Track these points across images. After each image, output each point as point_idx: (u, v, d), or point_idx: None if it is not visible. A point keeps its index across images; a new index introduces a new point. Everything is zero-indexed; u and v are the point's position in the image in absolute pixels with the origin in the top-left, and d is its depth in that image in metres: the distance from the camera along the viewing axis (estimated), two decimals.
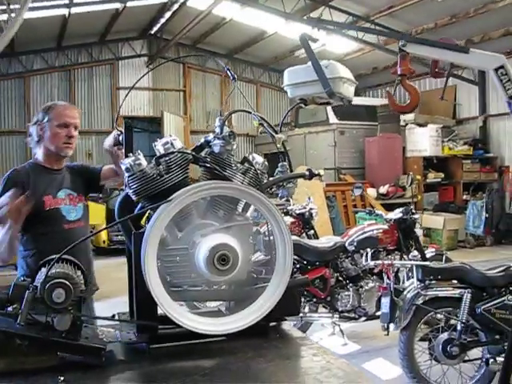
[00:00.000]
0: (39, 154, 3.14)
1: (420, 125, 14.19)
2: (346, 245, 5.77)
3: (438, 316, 4.42)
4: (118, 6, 13.86)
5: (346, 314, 5.66)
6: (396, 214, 6.00)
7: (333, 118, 14.37)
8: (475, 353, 4.40)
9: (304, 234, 7.39)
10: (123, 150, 2.54)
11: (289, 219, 7.10)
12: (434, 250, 6.39)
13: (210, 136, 2.20)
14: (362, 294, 5.62)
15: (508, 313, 4.23)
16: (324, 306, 5.75)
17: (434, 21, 12.95)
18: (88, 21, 14.48)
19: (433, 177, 13.99)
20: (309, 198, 7.49)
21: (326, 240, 6.09)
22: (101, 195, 10.18)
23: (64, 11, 13.41)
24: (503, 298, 4.26)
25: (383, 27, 11.58)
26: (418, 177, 13.31)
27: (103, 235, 12.26)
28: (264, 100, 18.85)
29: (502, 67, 2.61)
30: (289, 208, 7.24)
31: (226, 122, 2.23)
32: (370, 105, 14.50)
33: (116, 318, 2.27)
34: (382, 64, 16.30)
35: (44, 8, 12.73)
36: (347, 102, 2.33)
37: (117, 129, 2.66)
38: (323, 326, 5.91)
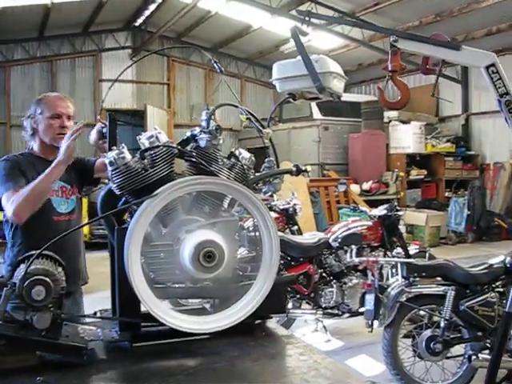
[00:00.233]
0: (35, 146, 3.10)
1: (403, 122, 14.25)
2: (330, 241, 5.76)
3: (422, 313, 4.42)
4: None
5: (329, 311, 5.66)
6: (380, 210, 6.01)
7: (317, 114, 14.35)
8: (458, 349, 4.42)
9: (288, 230, 7.37)
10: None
11: (273, 215, 7.06)
12: (417, 246, 6.41)
13: (196, 130, 2.15)
14: (346, 291, 5.61)
15: (491, 310, 4.25)
16: (307, 303, 5.73)
17: (418, 18, 12.98)
18: (71, 11, 14.27)
19: (415, 174, 14.05)
20: (293, 194, 7.47)
21: (310, 236, 6.07)
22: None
23: (46, 0, 13.19)
24: (486, 296, 4.29)
25: (368, 24, 11.55)
26: (401, 173, 13.36)
27: (85, 229, 12.13)
28: (248, 95, 18.78)
29: (492, 65, 2.59)
30: (272, 203, 7.21)
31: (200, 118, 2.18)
32: (354, 101, 14.50)
33: (98, 315, 2.21)
34: (367, 61, 16.33)
35: None
36: (337, 98, 2.29)
37: (100, 121, 2.59)
38: (306, 322, 5.90)
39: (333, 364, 1.99)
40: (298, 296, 5.62)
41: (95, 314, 2.23)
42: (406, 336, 4.42)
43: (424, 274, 4.39)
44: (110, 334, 2.05)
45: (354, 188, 12.97)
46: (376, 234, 5.92)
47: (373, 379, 4.66)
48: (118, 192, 2.02)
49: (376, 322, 4.41)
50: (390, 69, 2.79)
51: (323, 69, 2.17)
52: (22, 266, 1.77)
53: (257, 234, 2.11)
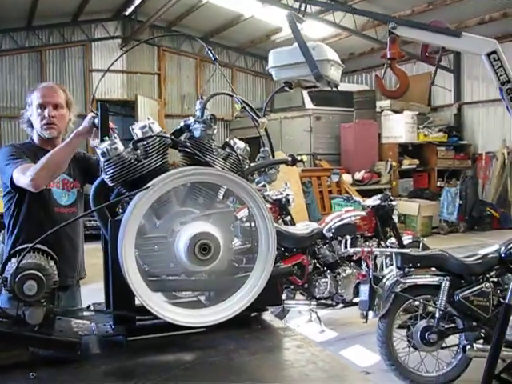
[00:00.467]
0: (34, 136, 3.08)
1: (396, 111, 14.24)
2: (324, 231, 5.73)
3: (417, 303, 4.41)
4: None
5: (323, 301, 5.64)
6: (374, 200, 5.98)
7: (309, 104, 14.32)
8: (452, 340, 4.41)
9: (280, 220, 7.33)
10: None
11: None
12: (410, 236, 6.39)
13: (190, 120, 2.10)
14: (340, 281, 5.59)
15: (485, 300, 4.25)
16: (301, 293, 5.72)
17: (411, 7, 12.94)
18: (59, 0, 14.10)
19: (408, 163, 14.06)
20: (285, 184, 7.43)
21: (303, 226, 6.04)
22: None
23: None
24: (481, 286, 4.28)
25: (366, 11, 11.50)
26: (394, 163, 13.38)
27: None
28: (239, 84, 18.68)
29: (494, 52, 2.55)
30: (265, 194, 7.17)
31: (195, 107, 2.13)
32: (346, 91, 14.45)
33: (91, 309, 2.17)
34: (359, 50, 16.30)
35: None
36: (334, 86, 2.24)
37: (92, 111, 2.54)
38: (300, 312, 5.89)
39: (331, 357, 1.97)
40: (292, 287, 5.60)
41: (88, 307, 2.19)
42: (400, 326, 4.41)
43: (419, 264, 4.37)
44: (105, 328, 2.02)
45: (347, 178, 12.96)
46: (370, 224, 5.91)
47: (367, 369, 4.65)
48: (110, 183, 1.98)
49: (371, 313, 4.39)
50: (388, 56, 2.75)
51: (321, 56, 2.13)
52: (14, 261, 1.72)
53: (252, 225, 2.08)
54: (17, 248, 1.86)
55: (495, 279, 4.38)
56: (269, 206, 7.20)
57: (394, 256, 4.39)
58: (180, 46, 18.10)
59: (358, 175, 13.29)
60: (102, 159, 1.95)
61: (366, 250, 4.88)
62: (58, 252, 1.95)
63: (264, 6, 13.66)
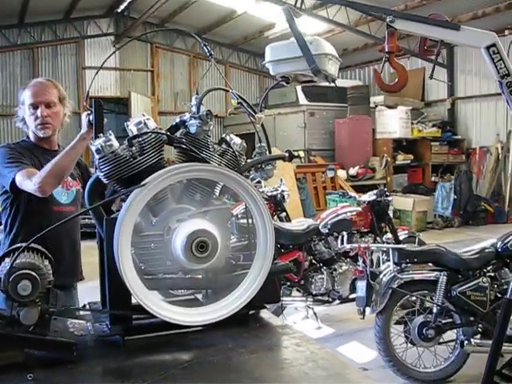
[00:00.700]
0: (30, 134, 3.03)
1: (389, 107, 14.23)
2: (320, 227, 5.71)
3: (414, 299, 4.40)
4: None
5: (319, 298, 5.63)
6: (370, 196, 5.97)
7: (303, 100, 14.28)
8: (449, 335, 4.41)
9: (276, 217, 7.31)
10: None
11: None
12: (406, 232, 6.38)
13: (186, 115, 2.07)
14: (336, 277, 5.58)
15: (482, 295, 4.25)
16: (298, 290, 5.70)
17: (404, 2, 12.91)
18: None
19: (402, 158, 14.05)
20: (281, 180, 7.40)
21: (299, 223, 6.02)
22: None
23: None
24: (478, 280, 4.28)
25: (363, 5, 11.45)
26: (388, 158, 13.38)
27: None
28: (233, 81, 18.62)
29: (493, 45, 2.52)
30: (260, 190, 7.15)
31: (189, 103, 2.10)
32: (340, 86, 14.43)
33: (87, 308, 2.14)
34: (352, 46, 16.27)
35: None
36: (331, 81, 2.21)
37: (86, 108, 2.51)
38: (296, 309, 5.87)
39: (330, 355, 1.95)
40: (288, 283, 5.59)
41: (84, 307, 2.16)
42: (397, 322, 4.41)
43: (416, 259, 4.37)
44: (101, 328, 1.99)
45: (341, 173, 12.94)
46: (366, 220, 5.89)
47: (365, 366, 4.64)
48: (105, 181, 1.96)
49: (368, 309, 4.38)
50: (386, 50, 2.72)
51: (318, 50, 2.10)
52: (7, 260, 1.69)
53: (250, 221, 2.05)
54: (11, 247, 1.83)
55: (492, 274, 4.38)
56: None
57: (390, 252, 4.38)
58: (173, 42, 18.03)
59: (353, 171, 13.27)
60: (96, 156, 1.92)
61: (362, 245, 4.86)
62: (58, 251, 1.92)
63: (257, 1, 13.61)
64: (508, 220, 13.16)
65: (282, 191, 7.18)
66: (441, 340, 4.34)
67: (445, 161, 14.44)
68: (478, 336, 4.28)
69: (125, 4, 15.85)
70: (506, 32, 12.68)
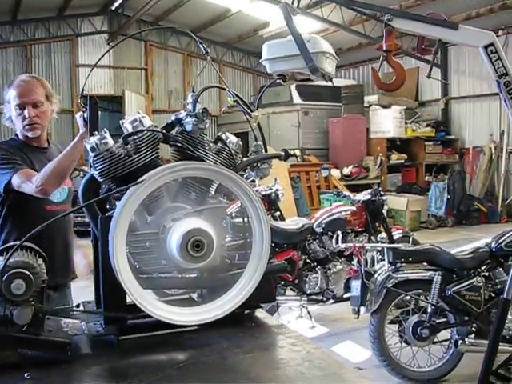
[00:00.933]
0: (18, 132, 2.97)
1: (383, 106, 14.24)
2: (314, 227, 5.71)
3: (408, 298, 4.40)
4: None
5: (313, 297, 5.62)
6: (364, 195, 5.97)
7: (297, 99, 14.27)
8: (444, 334, 4.41)
9: (270, 216, 7.30)
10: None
11: None
12: (400, 231, 6.39)
13: (182, 113, 2.06)
14: (330, 277, 5.58)
15: (477, 294, 4.25)
16: (292, 289, 5.69)
17: (399, 2, 12.91)
18: None
19: (396, 158, 14.07)
20: (275, 179, 7.39)
21: (293, 222, 6.01)
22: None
23: None
24: (472, 280, 4.28)
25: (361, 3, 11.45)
26: (383, 158, 13.41)
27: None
28: (227, 79, 18.55)
29: (491, 45, 2.51)
30: (255, 189, 7.11)
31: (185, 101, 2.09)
32: (334, 85, 14.42)
33: (81, 307, 2.12)
34: (346, 45, 16.26)
35: None
36: (329, 79, 2.20)
37: (81, 105, 2.48)
38: (291, 308, 5.85)
39: (326, 354, 1.95)
40: (283, 282, 5.58)
41: (78, 306, 2.14)
42: (392, 322, 4.40)
43: (410, 259, 4.36)
44: (95, 328, 1.98)
45: (335, 173, 12.93)
46: (360, 219, 5.89)
47: (359, 365, 4.64)
48: (100, 179, 1.94)
49: (362, 308, 4.37)
50: (384, 49, 2.70)
51: (316, 49, 2.08)
52: (1, 259, 1.67)
53: (245, 221, 2.04)
54: (4, 246, 1.80)
55: (486, 273, 4.38)
56: None
57: (385, 251, 4.37)
58: (167, 40, 17.99)
59: (347, 170, 13.28)
60: (91, 154, 1.90)
61: (357, 245, 4.86)
62: (50, 251, 1.89)
63: (251, 0, 13.58)
64: (501, 220, 13.20)
65: (277, 190, 7.17)
66: (435, 339, 4.33)
67: (438, 160, 14.47)
68: (472, 335, 4.27)
69: (119, 2, 15.79)
70: (500, 33, 12.73)
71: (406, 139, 14.22)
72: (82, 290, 3.19)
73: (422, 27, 2.62)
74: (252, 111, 2.23)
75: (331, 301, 5.66)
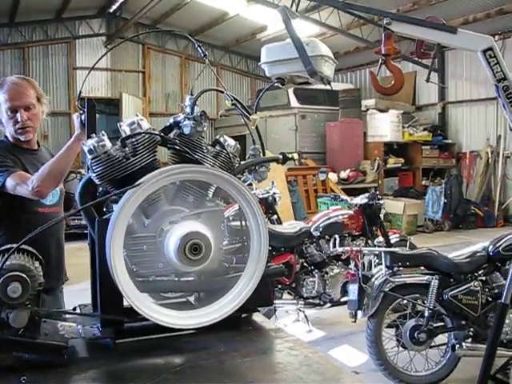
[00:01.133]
0: (7, 133, 2.92)
1: (381, 110, 14.27)
2: (312, 230, 5.70)
3: (406, 302, 4.39)
4: None
5: (310, 301, 5.61)
6: (362, 199, 5.97)
7: (294, 102, 14.28)
8: (441, 338, 4.40)
9: (267, 219, 7.30)
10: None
11: None
12: (397, 235, 6.38)
13: (180, 116, 2.05)
14: (327, 280, 5.57)
15: (474, 298, 4.24)
16: (289, 293, 5.68)
17: (396, 6, 12.94)
18: None
19: (393, 162, 14.09)
20: (272, 183, 7.39)
21: (290, 225, 6.00)
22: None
23: None
24: (470, 284, 4.27)
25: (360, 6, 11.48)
26: (380, 162, 13.42)
27: None
28: (224, 83, 18.58)
29: (490, 49, 2.52)
30: (252, 192, 7.11)
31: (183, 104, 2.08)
32: (331, 89, 14.44)
33: (77, 310, 2.11)
34: (344, 49, 16.30)
35: None
36: (327, 82, 2.20)
37: (79, 107, 2.47)
38: (287, 312, 5.84)
39: (325, 359, 1.94)
40: (280, 286, 5.56)
41: (74, 309, 2.13)
42: (389, 326, 4.39)
43: (408, 263, 4.36)
44: (92, 331, 1.96)
45: (332, 176, 12.93)
46: (357, 223, 5.89)
47: (356, 369, 4.62)
48: (97, 181, 1.93)
49: (360, 312, 4.36)
50: (383, 52, 2.70)
51: (315, 52, 2.08)
52: None
53: (243, 224, 2.03)
54: (0, 248, 1.79)
55: (483, 278, 4.38)
56: None
57: (383, 255, 4.37)
58: (165, 44, 18.00)
59: (344, 174, 13.29)
60: (89, 156, 1.89)
61: (354, 249, 4.85)
62: (44, 253, 1.88)
63: (249, 4, 13.60)
64: (497, 224, 13.22)
65: (274, 194, 7.17)
66: (432, 344, 4.33)
67: (435, 165, 14.50)
68: (470, 340, 4.26)
69: (117, 4, 15.78)
70: (497, 37, 12.77)
71: (403, 143, 14.26)
72: (78, 293, 3.18)
73: (420, 31, 2.62)
74: (250, 114, 2.23)
75: (328, 304, 5.64)
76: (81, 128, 2.58)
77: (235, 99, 2.19)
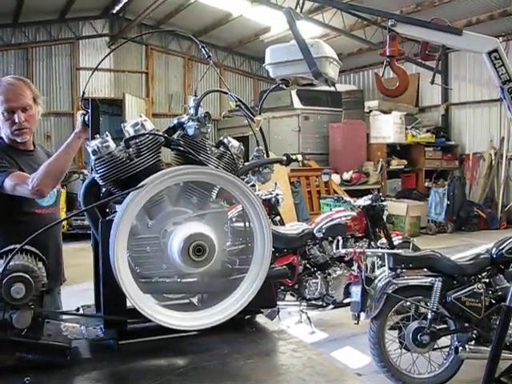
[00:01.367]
0: (2, 134, 2.90)
1: (384, 112, 14.24)
2: (315, 232, 5.69)
3: (409, 304, 4.38)
4: None
5: (313, 302, 5.60)
6: (365, 200, 5.95)
7: (297, 103, 14.27)
8: (444, 341, 4.39)
9: (270, 221, 7.28)
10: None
11: None
12: (400, 237, 6.36)
13: (184, 117, 2.05)
14: (330, 282, 5.55)
15: (477, 301, 4.23)
16: (291, 294, 5.67)
17: (399, 8, 12.91)
18: None
19: (396, 164, 14.07)
20: (275, 184, 7.38)
21: (293, 227, 5.99)
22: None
23: None
24: (473, 287, 4.26)
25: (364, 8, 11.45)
26: (383, 163, 13.41)
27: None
28: (227, 84, 18.50)
29: (495, 51, 2.51)
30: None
31: (187, 105, 2.08)
32: (334, 90, 14.44)
33: (80, 311, 2.11)
34: (347, 50, 16.27)
35: None
36: (332, 84, 2.20)
37: (82, 108, 2.47)
38: (290, 313, 5.83)
39: (328, 361, 1.94)
40: (282, 287, 5.55)
41: (78, 310, 2.13)
42: (392, 328, 4.38)
43: (411, 265, 4.34)
44: (95, 332, 1.97)
45: (335, 178, 12.93)
46: (360, 225, 5.88)
47: (358, 371, 4.62)
48: (101, 182, 1.93)
49: (363, 314, 4.35)
50: (388, 54, 2.70)
51: (319, 53, 2.08)
52: (0, 262, 1.65)
53: (247, 225, 2.03)
54: (3, 249, 1.79)
55: (487, 280, 4.36)
56: None
57: (386, 257, 4.35)
58: (168, 44, 18.00)
59: (347, 175, 13.27)
60: (92, 157, 1.89)
61: (357, 250, 4.84)
62: (44, 254, 1.88)
63: (253, 5, 13.60)
64: (500, 226, 13.20)
65: (277, 195, 7.16)
66: (435, 346, 4.31)
67: (438, 166, 14.48)
68: (473, 342, 4.25)
69: (120, 5, 15.79)
70: (500, 39, 12.73)
71: (406, 145, 14.23)
72: (81, 294, 3.18)
73: (425, 33, 2.61)
74: (254, 116, 2.23)
75: (331, 306, 5.63)
76: (82, 126, 2.57)
77: (239, 100, 2.19)
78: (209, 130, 2.03)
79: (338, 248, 5.51)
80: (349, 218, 5.87)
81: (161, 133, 1.99)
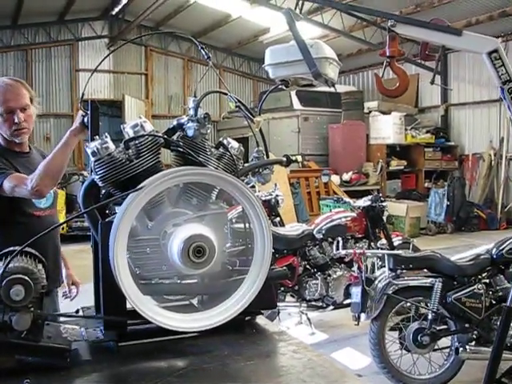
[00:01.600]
0: None
1: (383, 112, 14.25)
2: (314, 233, 5.69)
3: (409, 305, 4.38)
4: None
5: (313, 303, 5.60)
6: (365, 201, 5.95)
7: (297, 104, 14.28)
8: (444, 342, 4.39)
9: (270, 222, 7.27)
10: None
11: None
12: (400, 237, 6.36)
13: (184, 118, 2.05)
14: (330, 283, 5.55)
15: (478, 301, 4.23)
16: (291, 295, 5.67)
17: (399, 9, 12.91)
18: None
19: (395, 164, 14.08)
20: (275, 185, 7.38)
21: (293, 228, 5.99)
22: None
23: None
24: (473, 287, 4.26)
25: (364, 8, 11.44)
26: (383, 164, 13.41)
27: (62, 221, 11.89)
28: (227, 85, 18.51)
29: (495, 51, 2.51)
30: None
31: (186, 106, 2.08)
32: (334, 91, 14.44)
33: (80, 313, 2.10)
34: (346, 51, 16.27)
35: None
36: (331, 84, 2.19)
37: (81, 109, 2.47)
38: (290, 314, 5.83)
39: (328, 362, 1.93)
40: (282, 288, 5.55)
41: (77, 311, 2.13)
42: (392, 329, 4.38)
43: (411, 265, 4.34)
44: (95, 334, 1.96)
45: (334, 179, 12.92)
46: (360, 226, 5.88)
47: (359, 372, 4.61)
48: (101, 184, 1.93)
49: (363, 315, 4.35)
50: (387, 54, 2.69)
51: (319, 54, 2.08)
52: (0, 264, 1.65)
53: (247, 226, 2.03)
54: (3, 251, 1.78)
55: (487, 280, 4.36)
56: None
57: (386, 257, 4.36)
58: (167, 46, 18.01)
59: (346, 176, 13.27)
60: (92, 159, 1.89)
61: (357, 251, 4.84)
62: (43, 256, 1.87)
63: (252, 6, 13.60)
64: (500, 226, 13.20)
65: (277, 196, 7.15)
66: (435, 347, 4.31)
67: (438, 167, 14.49)
68: (473, 343, 4.25)
69: (119, 7, 15.79)
70: (500, 40, 12.72)
71: (406, 145, 14.24)
72: (80, 295, 3.18)
73: (425, 33, 2.60)
74: (254, 116, 2.23)
75: (331, 307, 5.63)
76: (80, 125, 2.56)
77: (239, 101, 2.19)
78: (208, 131, 2.03)
79: (337, 249, 5.51)
80: (349, 218, 5.87)
81: (160, 134, 1.99)
